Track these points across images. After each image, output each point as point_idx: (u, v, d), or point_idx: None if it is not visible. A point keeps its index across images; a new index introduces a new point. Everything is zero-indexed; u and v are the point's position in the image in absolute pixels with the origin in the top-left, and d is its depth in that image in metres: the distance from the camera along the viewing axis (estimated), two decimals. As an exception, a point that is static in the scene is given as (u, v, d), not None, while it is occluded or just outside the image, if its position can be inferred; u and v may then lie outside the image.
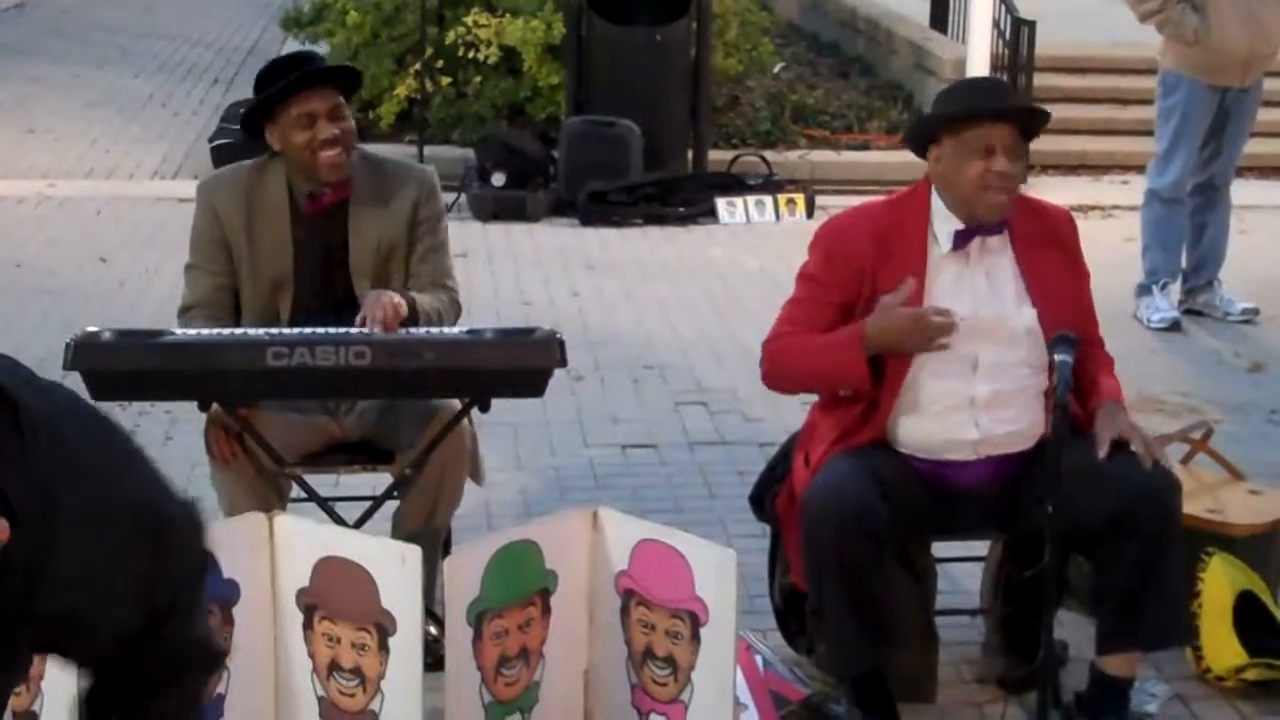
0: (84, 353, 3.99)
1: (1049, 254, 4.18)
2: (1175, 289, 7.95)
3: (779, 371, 4.21)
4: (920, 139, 4.19)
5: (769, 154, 10.64)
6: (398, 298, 4.28)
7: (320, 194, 4.46)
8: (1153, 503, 3.94)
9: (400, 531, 4.40)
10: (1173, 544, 3.99)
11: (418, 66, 10.58)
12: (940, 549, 4.41)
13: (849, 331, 4.06)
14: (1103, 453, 3.96)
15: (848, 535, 3.92)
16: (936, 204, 4.14)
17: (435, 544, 4.41)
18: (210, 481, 4.44)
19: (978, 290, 4.11)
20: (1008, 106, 4.19)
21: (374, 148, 4.78)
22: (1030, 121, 4.16)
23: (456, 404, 4.33)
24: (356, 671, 3.80)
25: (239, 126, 4.68)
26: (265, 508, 4.09)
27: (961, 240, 4.11)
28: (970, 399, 4.06)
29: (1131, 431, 4.01)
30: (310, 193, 4.46)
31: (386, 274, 4.49)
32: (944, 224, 4.13)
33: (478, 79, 10.81)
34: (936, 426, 4.09)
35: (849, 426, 4.11)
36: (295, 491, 4.46)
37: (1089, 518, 3.93)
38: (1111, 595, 4.04)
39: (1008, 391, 4.07)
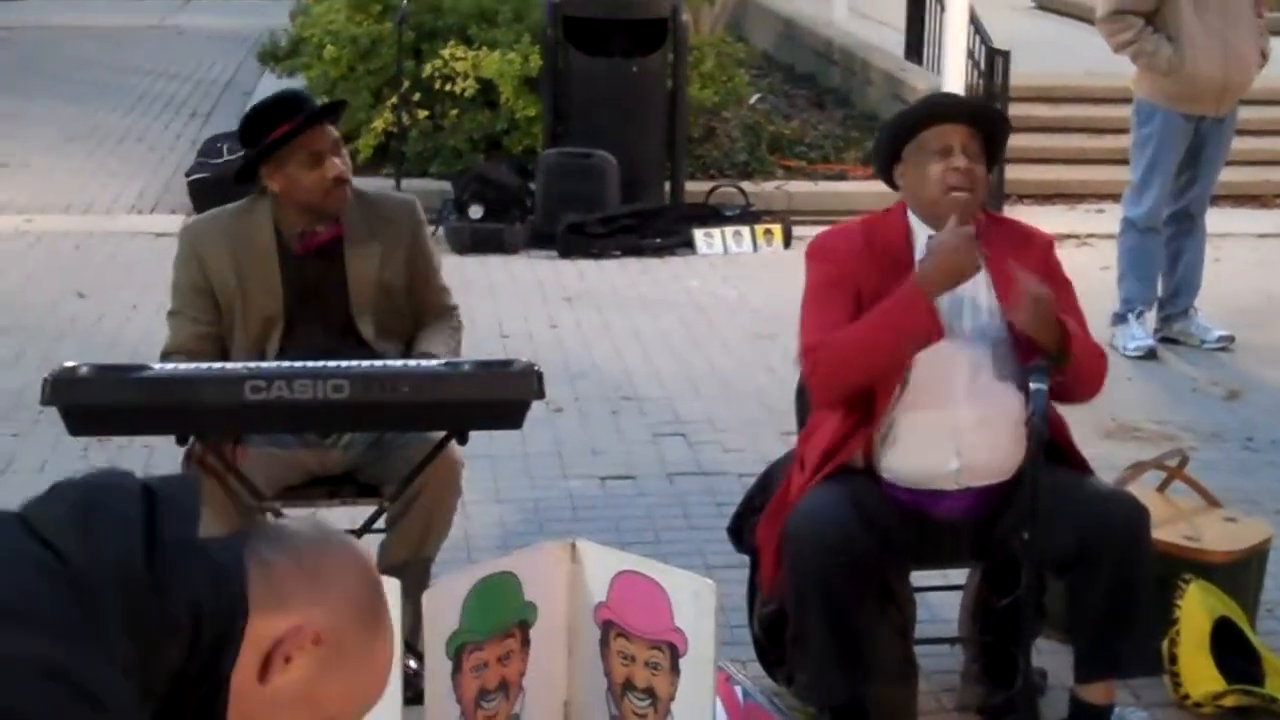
0: (61, 388, 3.99)
1: (1021, 265, 4.19)
2: (1151, 317, 7.98)
3: (834, 367, 4.03)
4: (886, 161, 4.21)
5: (746, 185, 10.64)
6: None
7: (312, 233, 4.46)
8: (1120, 531, 3.96)
9: (387, 563, 4.40)
10: (1142, 571, 3.99)
11: (394, 100, 10.58)
12: (918, 578, 4.42)
13: (900, 291, 3.98)
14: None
15: (829, 565, 3.92)
16: (913, 219, 4.17)
17: (424, 575, 4.39)
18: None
19: (956, 300, 4.12)
20: (953, 102, 4.22)
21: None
22: (988, 124, 4.17)
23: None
24: (335, 705, 3.78)
25: (235, 180, 4.56)
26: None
27: None
28: (954, 428, 4.07)
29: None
30: (301, 232, 4.46)
31: (389, 310, 4.52)
32: (923, 236, 4.15)
33: (454, 112, 10.83)
34: (918, 460, 4.09)
35: (842, 436, 4.09)
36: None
37: (1061, 546, 3.93)
38: (1086, 624, 4.05)
39: (990, 414, 4.07)
